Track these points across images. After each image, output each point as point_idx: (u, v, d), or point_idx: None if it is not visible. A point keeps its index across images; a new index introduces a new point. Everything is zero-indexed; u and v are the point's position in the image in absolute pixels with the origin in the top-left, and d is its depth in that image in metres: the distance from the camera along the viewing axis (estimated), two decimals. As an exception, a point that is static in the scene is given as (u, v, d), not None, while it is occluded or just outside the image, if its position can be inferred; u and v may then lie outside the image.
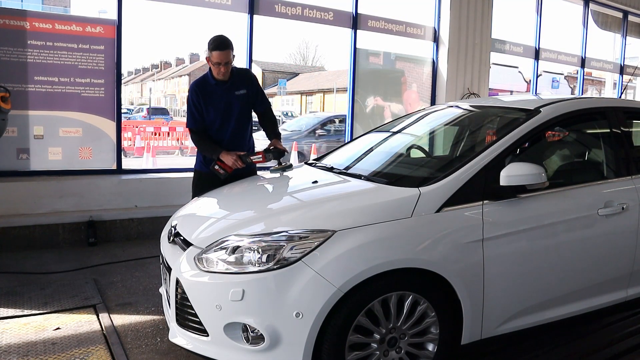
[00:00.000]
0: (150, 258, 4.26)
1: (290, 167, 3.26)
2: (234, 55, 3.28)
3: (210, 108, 3.35)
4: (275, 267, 2.04)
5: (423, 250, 2.17)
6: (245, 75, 3.43)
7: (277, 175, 3.13)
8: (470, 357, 2.38)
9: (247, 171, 3.45)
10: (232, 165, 3.29)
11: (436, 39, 6.93)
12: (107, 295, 3.47)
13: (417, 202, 2.24)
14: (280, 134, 3.51)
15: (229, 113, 3.35)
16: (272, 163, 3.29)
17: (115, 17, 4.83)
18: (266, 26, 5.94)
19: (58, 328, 2.91)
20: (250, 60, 5.70)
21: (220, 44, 3.21)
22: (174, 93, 48.05)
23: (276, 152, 3.30)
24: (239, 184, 3.20)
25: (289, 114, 33.39)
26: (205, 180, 3.37)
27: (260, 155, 3.27)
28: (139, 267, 4.05)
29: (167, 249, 2.59)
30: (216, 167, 3.33)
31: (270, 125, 3.50)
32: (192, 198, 3.36)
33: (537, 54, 8.29)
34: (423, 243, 2.18)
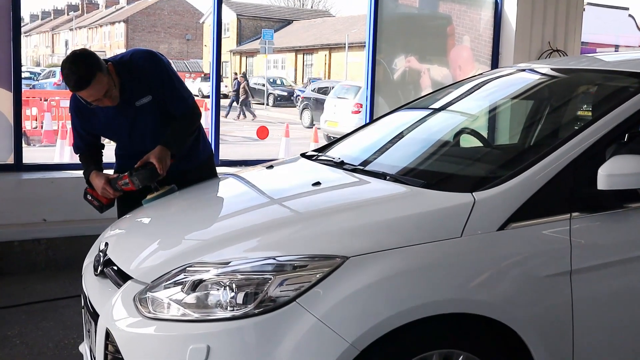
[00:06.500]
0: (65, 299, 4.26)
1: (172, 190, 3.21)
2: (108, 72, 3.08)
3: (106, 131, 3.41)
4: (256, 311, 2.05)
5: (479, 288, 2.18)
6: (142, 74, 3.27)
7: (151, 206, 3.11)
8: None
9: (207, 173, 3.50)
10: (101, 194, 3.30)
11: (500, -31, 6.95)
12: None
13: (470, 215, 2.25)
14: (177, 141, 3.32)
15: (139, 130, 3.37)
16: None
17: None
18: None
19: None
20: (220, 3, 5.73)
21: (78, 83, 2.99)
22: (104, 49, 48.18)
23: (143, 174, 3.18)
24: (200, 188, 3.22)
25: (278, 82, 33.49)
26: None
27: (127, 180, 3.20)
28: (47, 314, 4.06)
29: (92, 285, 2.60)
30: (88, 196, 3.39)
31: (172, 127, 3.33)
32: (119, 215, 3.38)
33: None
34: (479, 277, 2.19)
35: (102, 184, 3.27)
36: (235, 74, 31.45)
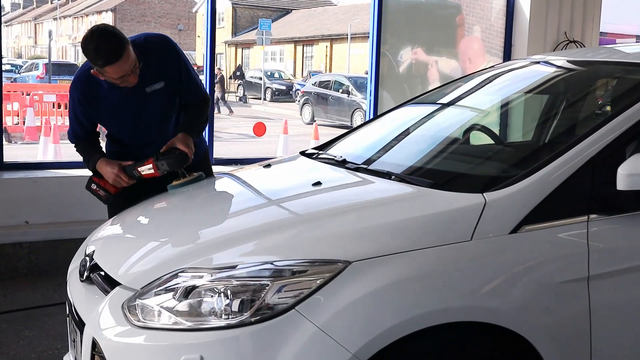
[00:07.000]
0: (49, 307, 4.27)
1: (200, 178, 3.25)
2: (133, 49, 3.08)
3: (109, 119, 3.41)
4: (253, 319, 2.05)
5: (490, 295, 2.18)
6: (156, 58, 3.29)
7: (179, 193, 3.13)
8: None
9: (203, 172, 3.48)
10: (113, 183, 3.30)
11: (513, -45, 6.95)
12: (-20, 367, 3.50)
13: (481, 217, 2.25)
14: (197, 127, 3.45)
15: (146, 118, 3.37)
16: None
17: None
18: None
19: None
20: (213, -11, 5.74)
21: (112, 54, 2.98)
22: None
23: (172, 158, 3.21)
24: (193, 188, 3.22)
25: (276, 75, 33.47)
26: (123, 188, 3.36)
27: (151, 165, 3.22)
28: (30, 323, 4.06)
29: (78, 292, 2.60)
30: (93, 186, 3.37)
31: (189, 114, 3.46)
32: (109, 216, 3.39)
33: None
34: (490, 283, 2.19)
35: (116, 171, 3.27)
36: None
